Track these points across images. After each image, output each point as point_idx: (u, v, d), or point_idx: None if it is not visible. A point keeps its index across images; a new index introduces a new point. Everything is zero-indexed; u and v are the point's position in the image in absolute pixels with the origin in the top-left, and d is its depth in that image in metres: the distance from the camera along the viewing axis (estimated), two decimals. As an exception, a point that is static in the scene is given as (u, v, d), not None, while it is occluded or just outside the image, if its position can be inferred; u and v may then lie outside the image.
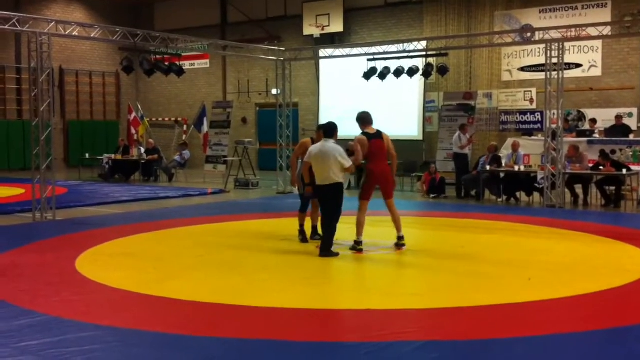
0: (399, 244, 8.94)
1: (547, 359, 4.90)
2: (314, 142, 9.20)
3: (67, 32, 13.46)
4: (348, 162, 8.48)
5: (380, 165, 8.94)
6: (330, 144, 8.51)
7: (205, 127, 21.31)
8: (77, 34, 13.96)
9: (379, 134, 8.98)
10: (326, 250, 8.50)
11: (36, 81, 11.94)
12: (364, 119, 9.10)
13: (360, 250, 8.78)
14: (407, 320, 5.92)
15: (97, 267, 7.94)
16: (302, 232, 9.60)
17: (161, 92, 27.58)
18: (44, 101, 11.98)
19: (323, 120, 22.15)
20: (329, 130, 8.64)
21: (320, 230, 9.03)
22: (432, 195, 15.50)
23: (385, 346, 5.12)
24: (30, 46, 12.12)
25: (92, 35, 14.31)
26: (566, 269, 7.87)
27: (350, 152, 8.81)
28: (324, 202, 8.65)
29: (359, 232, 8.86)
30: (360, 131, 9.02)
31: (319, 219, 9.12)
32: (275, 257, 8.64)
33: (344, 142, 9.02)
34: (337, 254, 8.52)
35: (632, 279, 7.21)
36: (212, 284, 7.22)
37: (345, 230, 9.29)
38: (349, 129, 22.40)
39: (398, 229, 9.01)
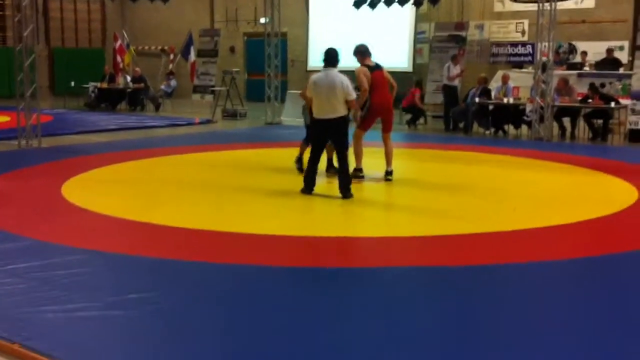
0: (387, 178, 8.93)
1: (531, 285, 4.98)
2: None
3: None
4: (353, 95, 7.85)
5: (383, 97, 8.84)
6: (334, 72, 7.80)
7: (193, 56, 20.97)
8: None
9: (378, 66, 8.88)
10: (349, 189, 7.80)
11: (19, 6, 11.65)
12: (363, 52, 8.92)
13: (362, 177, 8.79)
14: (391, 247, 5.99)
15: (84, 193, 7.92)
16: (300, 160, 9.33)
17: (147, 20, 27.01)
18: (27, 27, 11.73)
19: (312, 50, 21.91)
20: (332, 57, 7.88)
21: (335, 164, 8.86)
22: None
23: (369, 271, 5.19)
24: (12, -31, 11.79)
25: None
26: (552, 199, 7.94)
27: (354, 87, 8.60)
28: (333, 138, 7.93)
29: (359, 160, 8.86)
30: (359, 64, 8.88)
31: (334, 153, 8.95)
32: (265, 186, 8.64)
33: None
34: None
35: (616, 209, 7.29)
36: (201, 210, 7.24)
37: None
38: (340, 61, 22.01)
39: (388, 162, 8.97)
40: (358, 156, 8.90)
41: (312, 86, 7.81)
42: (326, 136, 7.96)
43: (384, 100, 8.83)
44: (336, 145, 7.97)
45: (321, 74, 7.83)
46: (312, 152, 8.02)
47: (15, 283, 4.77)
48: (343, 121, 7.79)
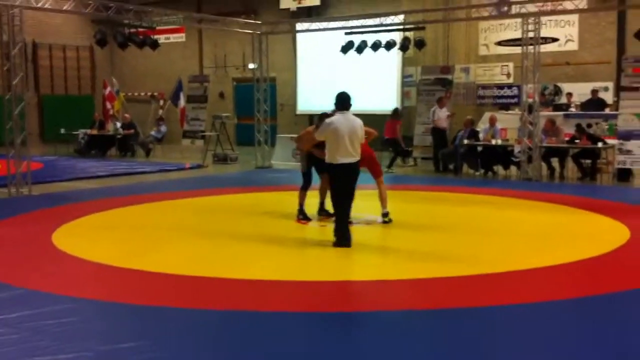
0: (385, 220, 8.92)
1: (524, 326, 4.96)
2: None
3: (39, 5, 13.20)
4: (363, 139, 7.77)
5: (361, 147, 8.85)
6: (351, 115, 7.66)
7: (182, 102, 21.09)
8: (49, 6, 13.70)
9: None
10: (345, 238, 7.56)
11: (8, 55, 11.74)
12: (346, 103, 8.90)
13: (350, 223, 8.55)
14: (388, 291, 5.96)
15: (75, 240, 7.88)
16: (302, 210, 9.28)
17: (136, 67, 27.22)
18: (17, 75, 11.80)
19: (300, 94, 22.10)
20: (346, 100, 7.70)
21: (329, 208, 8.84)
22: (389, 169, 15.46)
23: (366, 316, 5.16)
24: (2, 19, 11.88)
25: (64, 8, 14.05)
26: (543, 239, 7.96)
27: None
28: (348, 182, 7.54)
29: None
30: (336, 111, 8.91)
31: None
32: (256, 230, 8.63)
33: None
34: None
35: (607, 249, 7.31)
36: (192, 256, 7.20)
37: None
38: (327, 103, 22.30)
39: (383, 205, 8.99)
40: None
41: (332, 130, 7.45)
42: (352, 180, 7.57)
43: (362, 151, 8.84)
44: (346, 190, 7.58)
45: (339, 117, 7.56)
46: (343, 200, 7.56)
47: (6, 333, 4.71)
48: (358, 166, 7.66)
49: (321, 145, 9.01)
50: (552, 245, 7.63)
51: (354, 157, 7.48)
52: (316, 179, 9.43)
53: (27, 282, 6.06)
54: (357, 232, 8.55)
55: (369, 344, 4.55)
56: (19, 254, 7.22)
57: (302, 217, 9.21)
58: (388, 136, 16.20)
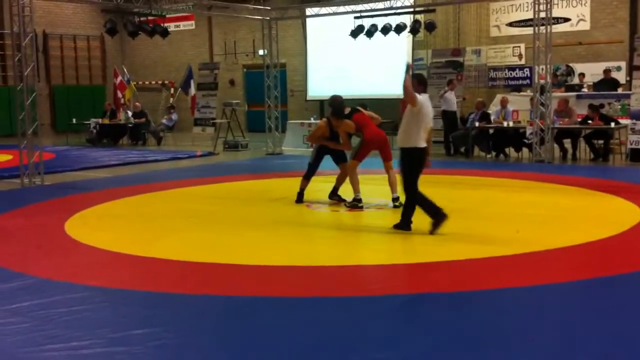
0: (395, 204, 8.85)
1: (535, 309, 4.94)
2: (330, 122, 9.16)
3: (48, -6, 13.24)
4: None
5: (374, 131, 8.98)
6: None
7: (193, 90, 21.11)
8: (58, -4, 13.74)
9: (355, 109, 9.12)
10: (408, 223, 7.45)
11: (19, 46, 11.77)
12: (340, 107, 9.03)
13: (362, 208, 8.87)
14: (397, 274, 5.97)
15: (87, 229, 7.92)
16: (301, 194, 9.44)
17: (147, 55, 27.27)
18: (28, 66, 11.84)
19: (311, 80, 22.04)
20: (424, 80, 7.61)
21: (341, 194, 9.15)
22: None
23: (375, 300, 5.16)
24: (12, 10, 11.91)
25: (74, -3, 14.07)
26: (555, 221, 7.92)
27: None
28: (421, 167, 7.33)
29: (357, 188, 8.94)
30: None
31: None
32: (266, 216, 8.65)
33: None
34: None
35: (619, 230, 7.26)
36: (203, 243, 7.22)
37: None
38: (337, 88, 22.27)
39: (393, 189, 8.95)
40: (356, 184, 8.95)
41: (420, 109, 7.12)
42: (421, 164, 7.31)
43: (375, 133, 8.97)
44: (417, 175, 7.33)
45: (426, 99, 7.27)
46: (416, 184, 7.31)
47: (18, 322, 4.75)
48: None
49: (334, 137, 9.12)
50: (565, 227, 7.59)
51: (423, 142, 7.24)
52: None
53: (40, 270, 6.11)
54: (367, 217, 8.57)
55: (379, 328, 4.55)
56: (31, 243, 7.28)
57: (298, 200, 9.38)
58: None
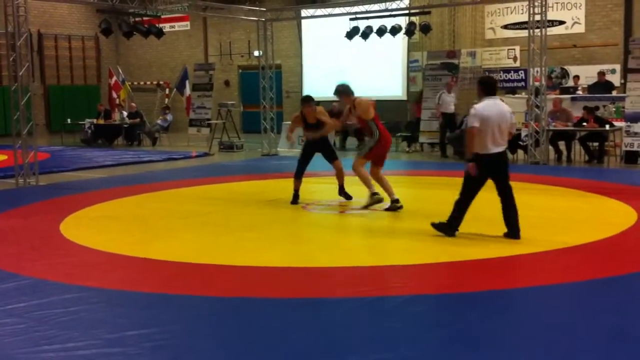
0: (397, 206, 8.72)
1: (531, 310, 4.96)
2: (304, 116, 9.22)
3: (43, -6, 13.22)
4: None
5: (385, 131, 8.87)
6: (499, 100, 7.17)
7: (188, 90, 21.14)
8: (53, -4, 13.71)
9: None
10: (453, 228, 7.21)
11: (14, 46, 11.74)
12: (348, 92, 8.98)
13: (381, 200, 8.74)
14: (393, 276, 5.97)
15: (82, 230, 7.91)
16: (296, 195, 9.44)
17: (142, 56, 27.23)
18: (23, 66, 11.81)
19: (306, 81, 22.03)
20: (492, 85, 7.19)
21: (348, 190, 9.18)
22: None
23: (372, 301, 5.16)
24: (7, 10, 11.88)
25: (69, -3, 14.05)
26: (550, 223, 7.93)
27: (334, 113, 8.72)
28: (501, 174, 7.04)
29: (369, 184, 8.76)
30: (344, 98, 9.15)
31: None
32: (262, 217, 8.65)
33: (328, 103, 9.05)
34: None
35: (615, 231, 7.28)
36: (198, 244, 7.21)
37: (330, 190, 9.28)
38: (332, 90, 22.24)
39: (390, 192, 8.82)
40: (368, 181, 8.78)
41: (488, 117, 6.81)
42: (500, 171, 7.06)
43: (388, 136, 8.90)
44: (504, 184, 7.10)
45: (491, 103, 6.94)
46: (471, 190, 7.09)
47: (14, 323, 4.73)
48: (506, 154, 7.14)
49: (310, 127, 9.16)
50: (560, 229, 7.60)
51: (496, 148, 6.90)
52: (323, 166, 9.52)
53: (35, 271, 6.09)
54: (365, 218, 8.57)
55: (378, 329, 4.55)
56: (26, 244, 7.25)
57: (293, 201, 9.35)
58: (419, 116, 16.88)
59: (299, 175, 9.42)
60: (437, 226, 7.20)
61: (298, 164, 9.46)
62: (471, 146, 6.88)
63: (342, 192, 9.45)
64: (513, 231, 7.01)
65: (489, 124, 6.81)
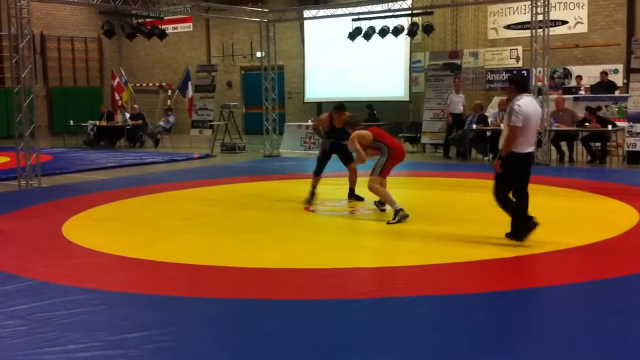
0: (380, 208, 8.81)
1: (533, 311, 4.95)
2: (332, 119, 9.31)
3: (46, -4, 13.24)
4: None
5: (395, 141, 8.73)
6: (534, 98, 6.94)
7: (190, 92, 21.16)
8: (56, -2, 13.73)
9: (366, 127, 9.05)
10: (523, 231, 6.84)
11: (17, 48, 11.76)
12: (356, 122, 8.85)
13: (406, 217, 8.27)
14: (396, 277, 5.97)
15: (84, 231, 7.92)
16: (313, 194, 9.44)
17: (144, 57, 27.26)
18: (25, 67, 11.83)
19: (308, 82, 22.04)
20: (526, 81, 7.04)
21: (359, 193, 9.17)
22: None
23: (375, 302, 5.15)
24: (10, 12, 11.90)
25: (72, 0, 14.07)
26: (552, 223, 7.88)
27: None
28: (526, 174, 6.87)
29: (392, 200, 8.33)
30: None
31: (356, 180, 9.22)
32: (264, 218, 8.65)
33: (330, 104, 9.04)
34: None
35: (617, 232, 7.27)
36: (200, 246, 7.21)
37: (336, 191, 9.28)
38: (335, 91, 22.29)
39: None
40: (389, 197, 8.39)
41: (529, 115, 6.60)
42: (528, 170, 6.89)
43: (398, 144, 8.67)
44: (524, 182, 6.92)
45: (527, 101, 6.71)
46: (525, 194, 6.92)
47: (16, 325, 4.74)
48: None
49: (334, 134, 9.29)
50: (562, 229, 7.59)
51: (529, 147, 6.78)
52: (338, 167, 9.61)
53: (37, 273, 6.10)
54: (366, 220, 8.57)
55: (378, 330, 4.55)
56: (29, 246, 7.26)
57: (309, 200, 9.35)
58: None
59: (318, 173, 9.49)
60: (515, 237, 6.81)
61: (318, 161, 9.54)
62: (510, 145, 6.63)
63: (352, 195, 9.54)
64: (513, 224, 6.85)
65: (529, 122, 6.62)
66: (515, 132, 6.58)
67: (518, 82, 6.84)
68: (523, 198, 6.87)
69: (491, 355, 4.12)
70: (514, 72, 18.31)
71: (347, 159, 9.51)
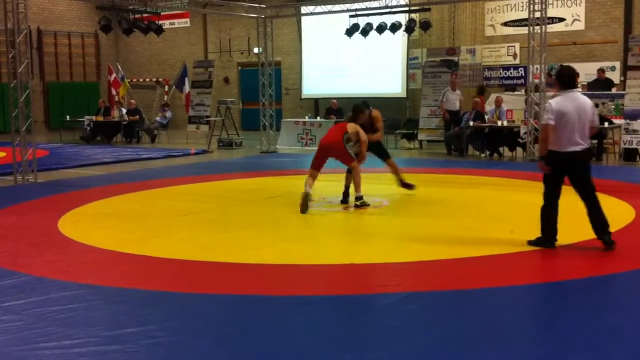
0: (356, 204, 8.85)
1: (530, 307, 4.96)
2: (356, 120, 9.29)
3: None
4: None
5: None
6: (581, 95, 6.61)
7: (187, 87, 21.14)
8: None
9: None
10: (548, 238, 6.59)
11: (13, 42, 11.74)
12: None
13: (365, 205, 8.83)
14: (390, 273, 5.97)
15: (80, 227, 7.90)
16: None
17: (141, 53, 27.22)
18: (22, 62, 11.81)
19: (305, 78, 22.01)
20: (572, 76, 6.58)
21: (352, 192, 9.06)
22: None
23: (369, 298, 5.16)
24: (6, 6, 11.87)
25: (68, -6, 14.03)
26: (548, 221, 7.91)
27: (333, 110, 8.86)
28: (577, 175, 6.57)
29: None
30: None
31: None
32: (260, 214, 8.64)
33: (327, 100, 9.04)
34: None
35: (613, 229, 7.21)
36: (197, 242, 7.20)
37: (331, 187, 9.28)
38: (332, 87, 22.27)
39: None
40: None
41: (563, 113, 6.32)
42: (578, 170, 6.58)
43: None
44: (584, 184, 6.65)
45: (566, 97, 6.42)
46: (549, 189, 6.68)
47: (12, 320, 4.73)
48: (589, 152, 6.64)
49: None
50: (559, 226, 7.57)
51: (571, 146, 6.40)
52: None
53: (33, 268, 6.09)
54: (363, 216, 8.57)
55: (374, 327, 4.55)
56: (25, 241, 7.25)
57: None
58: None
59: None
60: (535, 242, 6.61)
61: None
62: (544, 144, 6.43)
63: (404, 184, 9.72)
64: (601, 237, 6.43)
65: (565, 120, 6.29)
66: (545, 130, 6.39)
67: (561, 78, 6.53)
68: (592, 203, 6.53)
69: (486, 352, 4.12)
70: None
71: (383, 154, 9.73)
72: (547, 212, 6.60)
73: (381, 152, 9.75)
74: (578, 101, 6.40)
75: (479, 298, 5.19)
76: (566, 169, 6.47)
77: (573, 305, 5.04)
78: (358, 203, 8.81)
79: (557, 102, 6.39)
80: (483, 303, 5.07)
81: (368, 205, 8.84)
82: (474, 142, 15.02)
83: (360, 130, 8.93)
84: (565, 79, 6.47)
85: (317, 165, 8.95)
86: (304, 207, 8.49)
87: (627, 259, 6.25)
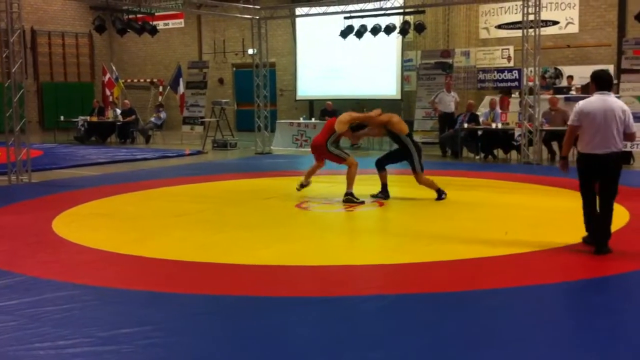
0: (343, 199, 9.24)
1: (523, 310, 4.96)
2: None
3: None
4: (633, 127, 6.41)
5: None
6: (614, 98, 6.41)
7: (182, 88, 21.11)
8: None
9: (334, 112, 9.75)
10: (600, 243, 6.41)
11: (7, 42, 11.70)
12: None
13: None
14: (384, 275, 5.97)
15: (74, 227, 7.88)
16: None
17: (136, 53, 27.18)
18: (16, 62, 11.77)
19: (300, 80, 22.02)
20: (607, 79, 6.49)
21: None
22: None
23: (363, 300, 5.16)
24: (0, 6, 11.84)
25: (63, -6, 14.00)
26: (543, 222, 7.95)
27: (327, 112, 9.03)
28: (604, 179, 6.36)
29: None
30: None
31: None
32: (256, 215, 8.64)
33: (322, 102, 9.07)
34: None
35: (607, 231, 7.28)
36: (192, 242, 7.19)
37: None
38: (326, 89, 22.29)
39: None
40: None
41: (580, 116, 6.27)
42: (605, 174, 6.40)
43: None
44: (606, 188, 6.46)
45: (595, 99, 6.31)
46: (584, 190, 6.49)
47: (5, 320, 4.71)
48: (620, 158, 6.44)
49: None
50: (553, 228, 7.62)
51: (598, 149, 6.26)
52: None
53: (27, 269, 6.07)
54: (360, 216, 8.58)
55: (373, 327, 4.55)
56: (19, 241, 7.22)
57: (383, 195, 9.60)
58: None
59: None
60: (589, 241, 6.55)
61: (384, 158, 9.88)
62: (567, 144, 6.42)
63: (380, 192, 9.67)
64: (596, 240, 6.42)
65: (590, 121, 6.20)
66: (569, 131, 6.39)
67: (595, 79, 6.44)
68: (604, 208, 6.43)
69: (482, 353, 4.13)
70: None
71: (395, 159, 10.03)
72: (586, 213, 6.54)
73: (399, 157, 9.83)
74: (607, 103, 6.27)
75: (477, 299, 5.19)
76: (590, 172, 6.35)
77: (568, 307, 5.06)
78: (344, 198, 9.07)
79: (585, 102, 6.33)
80: (480, 304, 5.08)
81: (361, 202, 8.95)
82: (468, 144, 15.04)
83: (356, 115, 9.51)
84: (598, 80, 6.41)
85: (317, 159, 9.60)
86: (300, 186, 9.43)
87: (621, 261, 6.26)
